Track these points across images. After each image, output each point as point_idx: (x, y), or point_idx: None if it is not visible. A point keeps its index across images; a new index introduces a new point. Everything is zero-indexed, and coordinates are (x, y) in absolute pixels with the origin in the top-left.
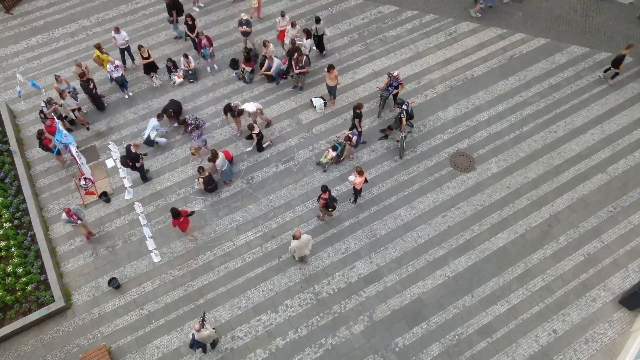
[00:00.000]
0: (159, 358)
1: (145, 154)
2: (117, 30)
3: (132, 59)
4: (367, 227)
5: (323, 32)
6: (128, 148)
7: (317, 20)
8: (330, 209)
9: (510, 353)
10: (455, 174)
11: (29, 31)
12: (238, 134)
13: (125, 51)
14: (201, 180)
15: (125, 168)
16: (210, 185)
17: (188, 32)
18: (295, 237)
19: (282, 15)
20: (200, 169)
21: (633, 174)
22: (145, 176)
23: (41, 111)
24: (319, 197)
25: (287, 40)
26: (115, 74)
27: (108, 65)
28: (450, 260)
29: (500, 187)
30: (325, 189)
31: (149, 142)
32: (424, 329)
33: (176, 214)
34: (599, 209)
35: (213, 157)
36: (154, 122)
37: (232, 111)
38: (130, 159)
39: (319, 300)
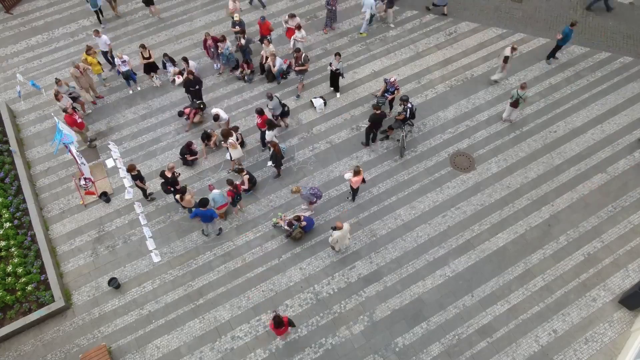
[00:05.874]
0: (159, 358)
1: (179, 174)
2: (97, 33)
3: (113, 63)
4: (367, 227)
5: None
6: (163, 174)
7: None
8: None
9: (510, 353)
10: (455, 173)
11: (29, 31)
12: (205, 157)
13: (107, 54)
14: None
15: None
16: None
17: None
18: (337, 228)
19: (291, 16)
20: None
21: (633, 174)
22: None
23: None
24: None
25: (291, 44)
26: (123, 68)
27: (116, 60)
28: (450, 260)
29: (500, 187)
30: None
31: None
32: (424, 329)
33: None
34: (599, 209)
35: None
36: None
37: (210, 138)
38: (170, 184)
39: (319, 300)
